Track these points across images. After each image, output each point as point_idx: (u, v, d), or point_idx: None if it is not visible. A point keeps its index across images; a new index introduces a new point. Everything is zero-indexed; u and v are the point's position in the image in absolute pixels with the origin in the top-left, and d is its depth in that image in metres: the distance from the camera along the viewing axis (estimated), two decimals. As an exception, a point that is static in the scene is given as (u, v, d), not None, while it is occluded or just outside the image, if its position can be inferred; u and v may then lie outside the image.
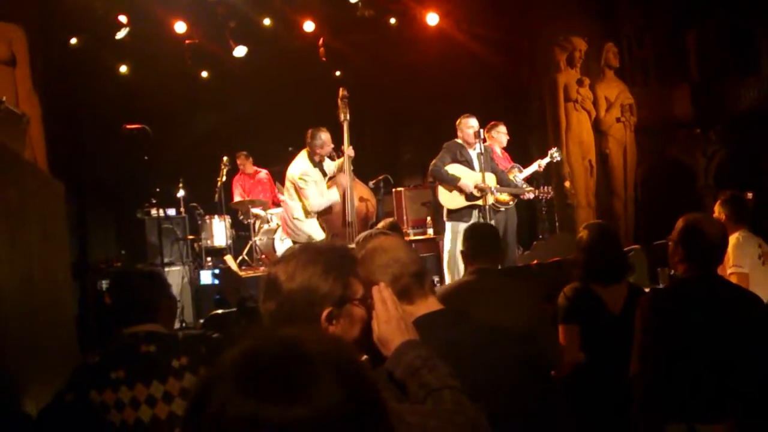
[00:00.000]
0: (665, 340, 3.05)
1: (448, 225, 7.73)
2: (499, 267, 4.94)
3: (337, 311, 1.83)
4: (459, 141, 7.80)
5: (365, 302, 1.88)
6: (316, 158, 7.53)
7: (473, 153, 7.74)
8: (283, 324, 1.83)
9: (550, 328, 3.74)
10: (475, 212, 7.61)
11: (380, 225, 4.41)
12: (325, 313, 1.81)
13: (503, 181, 7.85)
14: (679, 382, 3.01)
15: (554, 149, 8.60)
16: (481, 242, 4.08)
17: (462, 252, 4.16)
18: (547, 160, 8.49)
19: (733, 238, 4.96)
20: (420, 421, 1.54)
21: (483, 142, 7.66)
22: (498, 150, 8.36)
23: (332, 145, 7.59)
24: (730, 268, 4.89)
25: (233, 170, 10.27)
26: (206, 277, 9.00)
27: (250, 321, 3.26)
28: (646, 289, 5.93)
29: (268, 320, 1.88)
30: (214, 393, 0.97)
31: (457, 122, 7.84)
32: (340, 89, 7.59)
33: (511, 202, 7.93)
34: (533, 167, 8.43)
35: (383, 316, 1.80)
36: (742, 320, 3.05)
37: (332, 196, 7.48)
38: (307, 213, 7.54)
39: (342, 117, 7.51)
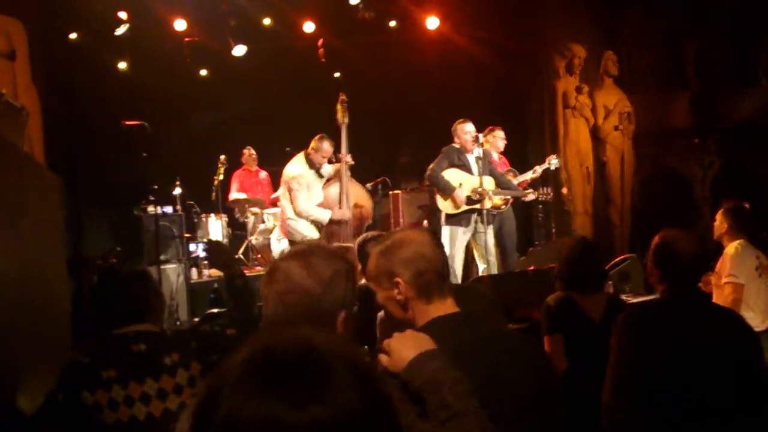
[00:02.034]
0: (642, 370, 2.89)
1: (446, 229, 7.71)
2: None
3: (349, 314, 1.85)
4: (456, 146, 7.80)
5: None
6: (312, 162, 7.57)
7: (471, 157, 7.73)
8: (301, 321, 1.81)
9: None
10: (474, 216, 7.61)
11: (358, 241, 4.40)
12: (342, 316, 1.82)
13: (502, 184, 7.83)
14: (661, 416, 2.85)
15: (553, 156, 8.61)
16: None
17: None
18: (544, 166, 8.48)
19: (731, 248, 4.96)
20: None
21: (481, 146, 7.66)
22: (494, 155, 8.35)
23: (328, 157, 7.62)
24: (726, 277, 4.88)
25: (231, 168, 10.25)
26: (195, 249, 9.04)
27: (239, 303, 3.20)
28: (627, 298, 5.95)
29: (284, 315, 1.86)
30: (223, 395, 0.94)
31: (453, 128, 7.83)
32: (340, 94, 7.62)
33: (503, 206, 7.89)
34: (529, 173, 8.42)
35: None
36: (722, 342, 2.91)
37: (322, 214, 7.50)
38: (296, 214, 7.56)
39: (340, 120, 7.55)
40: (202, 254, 8.87)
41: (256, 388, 0.93)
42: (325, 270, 1.82)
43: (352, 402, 0.93)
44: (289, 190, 7.57)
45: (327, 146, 7.53)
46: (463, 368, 1.92)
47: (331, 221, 7.51)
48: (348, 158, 7.57)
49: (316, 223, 7.59)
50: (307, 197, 7.49)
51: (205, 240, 9.19)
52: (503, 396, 1.93)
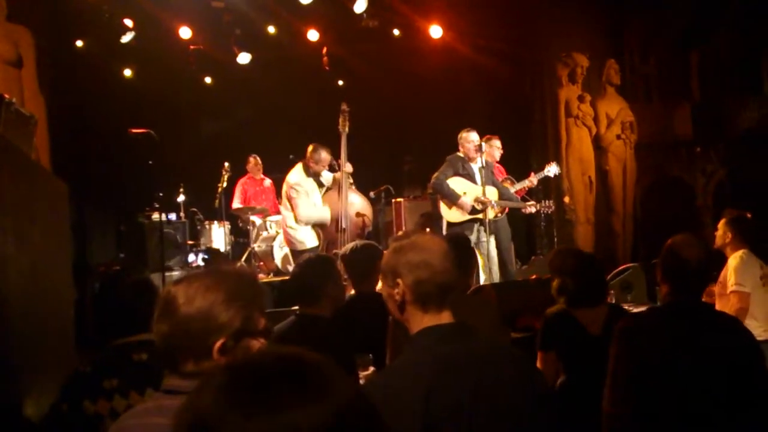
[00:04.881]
0: (638, 378, 2.87)
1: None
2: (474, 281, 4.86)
3: (232, 343, 1.74)
4: (461, 154, 7.83)
5: (267, 334, 1.81)
6: (310, 171, 7.60)
7: (475, 167, 7.77)
8: (174, 350, 1.75)
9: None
10: (476, 225, 7.64)
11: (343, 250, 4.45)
12: (218, 344, 1.73)
13: (504, 195, 7.86)
14: (658, 424, 2.84)
15: (552, 164, 8.57)
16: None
17: None
18: (541, 174, 8.46)
19: (735, 257, 4.98)
20: None
21: (482, 156, 7.69)
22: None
23: (327, 166, 7.66)
24: (732, 286, 4.91)
25: (234, 176, 10.27)
26: (195, 260, 9.01)
27: None
28: (629, 307, 5.96)
29: (160, 343, 1.78)
30: (196, 403, 0.94)
31: (459, 136, 7.87)
32: (343, 103, 7.67)
33: (499, 215, 7.88)
34: (525, 181, 8.42)
35: None
36: (720, 350, 2.87)
37: (323, 213, 7.53)
38: (299, 221, 7.61)
39: (341, 129, 7.61)
40: (202, 263, 8.89)
41: (225, 397, 0.92)
42: (204, 296, 1.74)
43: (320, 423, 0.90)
44: (289, 199, 7.62)
45: (324, 155, 7.55)
46: (446, 380, 1.94)
47: (330, 230, 7.55)
48: (348, 167, 7.61)
49: (317, 231, 7.62)
50: (306, 204, 7.53)
51: (204, 249, 9.21)
52: (483, 409, 1.93)
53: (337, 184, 7.67)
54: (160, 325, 1.77)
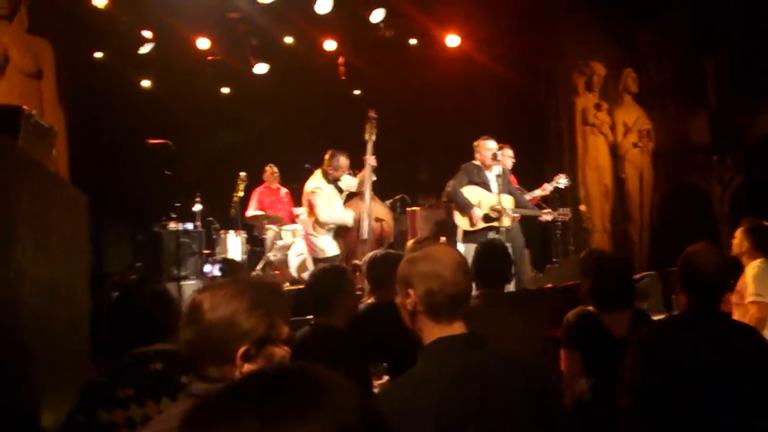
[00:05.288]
0: (656, 387, 2.90)
1: (463, 246, 7.72)
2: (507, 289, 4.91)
3: (255, 350, 1.78)
4: (477, 163, 7.82)
5: (290, 342, 1.84)
6: (330, 177, 7.61)
7: (491, 175, 7.75)
8: (199, 356, 1.81)
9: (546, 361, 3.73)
10: (492, 234, 7.62)
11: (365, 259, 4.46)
12: (241, 351, 1.77)
13: (521, 203, 7.84)
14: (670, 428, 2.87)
15: (563, 176, 8.51)
16: (487, 264, 4.08)
17: None
18: (553, 185, 8.43)
19: (754, 267, 4.88)
20: None
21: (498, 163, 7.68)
22: None
23: (347, 170, 7.66)
24: (751, 296, 4.80)
25: (251, 184, 10.31)
26: (211, 270, 9.00)
27: None
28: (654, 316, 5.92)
29: (186, 349, 1.84)
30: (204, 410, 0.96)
31: (475, 144, 7.86)
32: (370, 110, 7.69)
33: (511, 224, 7.86)
34: (538, 191, 8.39)
35: None
36: (739, 360, 2.87)
37: (345, 216, 7.53)
38: (320, 228, 7.60)
39: (367, 136, 7.61)
40: (218, 273, 8.88)
41: (226, 404, 0.94)
42: (227, 303, 1.79)
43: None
44: (309, 204, 7.63)
45: (343, 160, 7.55)
46: (457, 389, 1.96)
47: (351, 239, 7.55)
48: (372, 159, 7.60)
49: (338, 241, 7.62)
50: (327, 207, 7.53)
51: (220, 259, 9.21)
52: (493, 418, 1.94)
53: (362, 182, 7.65)
54: (186, 331, 1.83)
